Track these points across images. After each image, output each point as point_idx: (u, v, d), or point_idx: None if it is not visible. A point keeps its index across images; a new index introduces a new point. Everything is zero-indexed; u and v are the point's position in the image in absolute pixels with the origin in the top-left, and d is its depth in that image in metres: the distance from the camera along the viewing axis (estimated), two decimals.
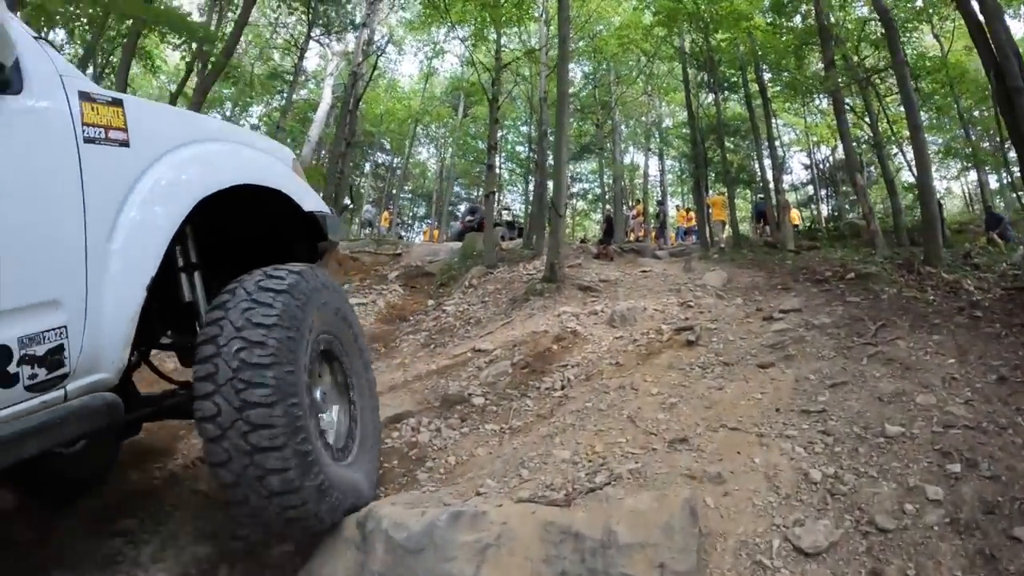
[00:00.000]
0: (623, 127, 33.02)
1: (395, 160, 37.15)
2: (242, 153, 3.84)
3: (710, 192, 21.54)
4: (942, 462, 4.38)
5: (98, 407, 2.66)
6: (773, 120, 21.09)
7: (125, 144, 2.91)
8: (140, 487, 5.24)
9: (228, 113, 29.44)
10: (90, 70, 17.93)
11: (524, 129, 34.92)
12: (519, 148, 36.06)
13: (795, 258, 14.09)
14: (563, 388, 7.44)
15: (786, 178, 32.31)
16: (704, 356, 7.49)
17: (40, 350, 2.39)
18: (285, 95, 25.09)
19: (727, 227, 20.23)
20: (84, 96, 2.77)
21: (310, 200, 4.17)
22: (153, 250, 2.94)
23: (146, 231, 2.92)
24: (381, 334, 12.59)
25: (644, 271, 15.34)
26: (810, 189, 33.41)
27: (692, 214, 24.55)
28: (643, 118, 32.42)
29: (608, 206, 30.39)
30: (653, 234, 26.67)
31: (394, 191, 38.40)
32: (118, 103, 2.95)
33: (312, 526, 3.39)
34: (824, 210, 31.64)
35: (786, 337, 7.60)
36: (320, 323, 3.65)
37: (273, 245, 4.32)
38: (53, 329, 2.45)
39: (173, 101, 16.44)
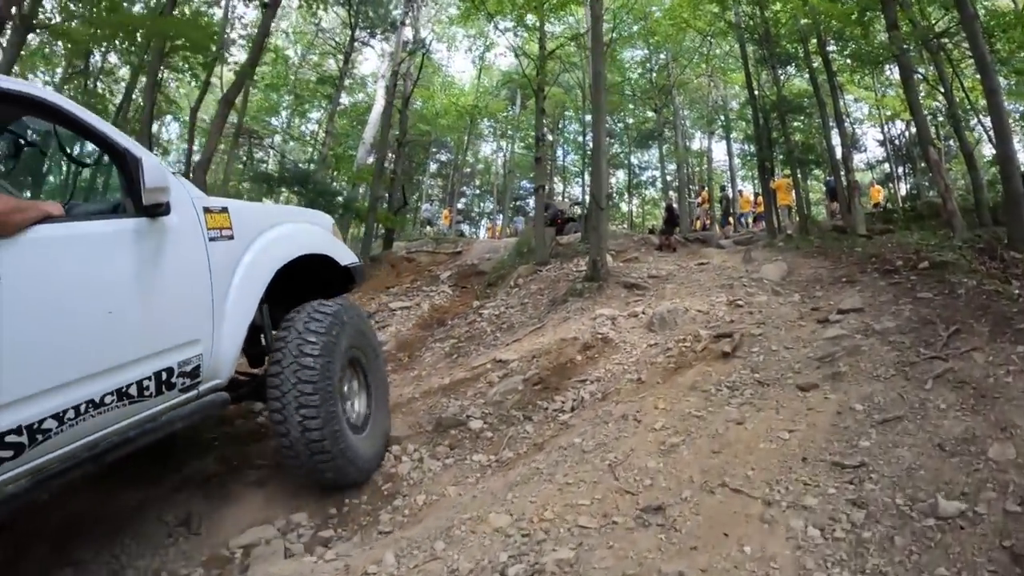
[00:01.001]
0: (685, 111, 31.53)
1: (458, 157, 36.40)
2: (299, 230, 5.19)
3: (776, 175, 19.87)
4: (1013, 570, 3.04)
5: (216, 399, 4.13)
6: (840, 95, 19.24)
7: (231, 237, 4.29)
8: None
9: (285, 122, 29.09)
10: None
11: (588, 118, 33.42)
12: (581, 138, 34.88)
13: (865, 244, 12.53)
14: (572, 410, 6.47)
15: (860, 156, 29.99)
16: (737, 372, 6.24)
17: (188, 368, 3.83)
18: (333, 99, 24.41)
19: (794, 212, 18.55)
20: (206, 209, 4.14)
21: (344, 255, 5.61)
22: (251, 304, 4.41)
23: (246, 293, 4.35)
24: (413, 341, 11.62)
25: (701, 263, 13.97)
26: (887, 167, 31.03)
27: (759, 199, 22.90)
28: (706, 101, 30.82)
29: (672, 193, 28.84)
30: (719, 222, 25.05)
31: (457, 188, 37.79)
32: (225, 210, 4.33)
33: (334, 477, 4.81)
34: (902, 188, 29.30)
35: (839, 347, 6.26)
36: (348, 341, 5.03)
37: (319, 282, 5.58)
38: (195, 356, 3.88)
39: (193, 117, 15.66)
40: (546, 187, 16.80)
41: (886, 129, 29.15)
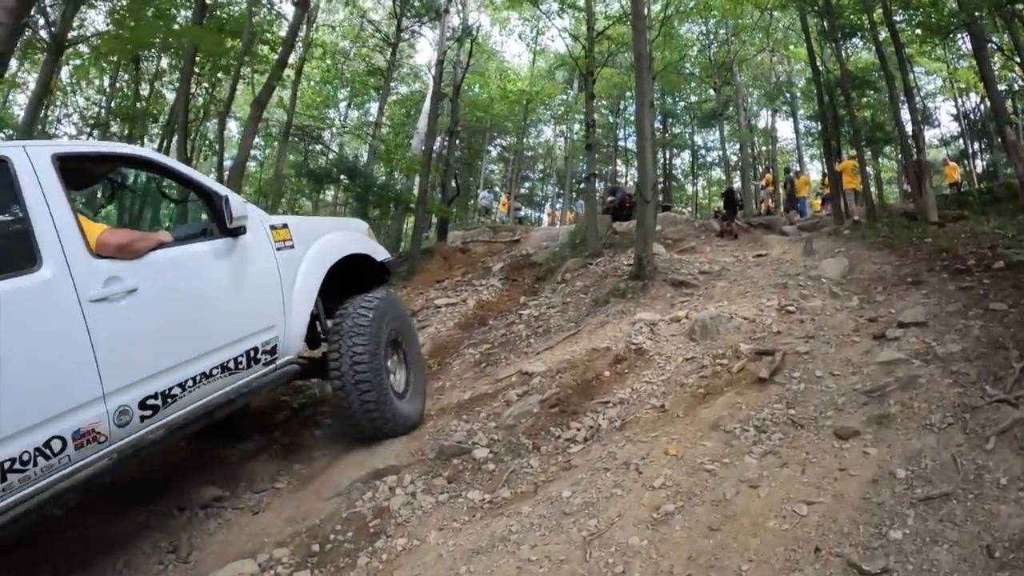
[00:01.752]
0: (748, 89, 29.95)
1: (518, 142, 35.35)
2: (343, 237, 6.21)
3: (844, 156, 18.49)
4: None
5: (289, 370, 5.31)
6: (909, 67, 17.73)
7: (292, 247, 5.45)
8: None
9: (343, 113, 28.49)
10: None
11: None
12: None
13: (936, 234, 11.35)
14: (585, 441, 5.83)
15: (933, 132, 27.83)
16: (771, 406, 5.39)
17: (268, 347, 5.06)
18: (383, 91, 23.72)
19: (860, 196, 17.21)
20: (272, 227, 5.34)
21: (379, 253, 6.67)
22: (311, 297, 5.56)
23: (307, 288, 5.51)
24: (449, 344, 10.99)
25: (759, 255, 12.98)
26: (961, 143, 28.71)
27: (827, 180, 21.48)
28: (769, 77, 29.19)
29: (736, 174, 27.39)
30: (783, 206, 23.58)
31: (518, 173, 36.82)
32: (286, 226, 5.49)
33: (385, 430, 5.91)
34: (978, 165, 27.21)
35: (892, 378, 5.34)
36: (389, 327, 6.06)
37: (361, 276, 6.52)
38: (272, 337, 5.11)
39: (222, 122, 15.27)
40: (598, 174, 15.89)
41: (960, 103, 27.04)
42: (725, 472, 4.42)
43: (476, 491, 5.23)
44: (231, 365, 4.70)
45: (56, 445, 3.46)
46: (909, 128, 15.82)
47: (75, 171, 4.30)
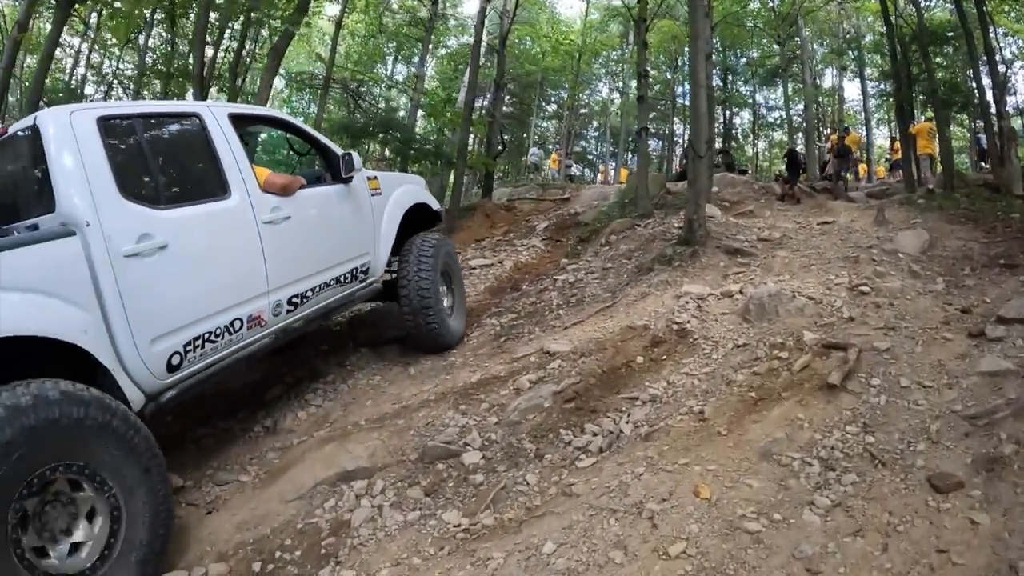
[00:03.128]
0: (813, 45, 27.69)
1: (572, 97, 33.38)
2: (411, 189, 7.36)
3: (917, 118, 16.61)
4: None
5: (377, 287, 6.60)
6: (991, 24, 15.75)
7: (380, 194, 6.59)
8: None
9: (390, 68, 26.89)
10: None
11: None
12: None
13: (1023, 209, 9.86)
14: (600, 452, 4.56)
15: (1011, 100, 25.44)
16: (842, 429, 4.16)
17: (364, 268, 6.18)
18: (424, 42, 22.15)
19: (937, 162, 15.42)
20: (369, 178, 6.45)
21: (434, 204, 7.72)
22: (393, 233, 6.71)
23: (390, 224, 6.69)
24: (473, 312, 9.69)
25: (825, 223, 11.51)
26: None
27: (896, 145, 19.59)
28: (836, 33, 26.80)
29: (800, 135, 25.34)
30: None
31: (573, 130, 35.08)
32: (375, 177, 6.64)
33: (443, 342, 7.15)
34: None
35: (1002, 399, 4.11)
36: (442, 260, 7.14)
37: (422, 219, 7.45)
38: (367, 262, 6.23)
39: (233, 74, 14.13)
40: (652, 131, 14.49)
41: None
42: (774, 537, 3.17)
43: (454, 511, 4.16)
44: (342, 279, 5.85)
45: (236, 324, 4.53)
46: (990, 94, 14.08)
47: (237, 127, 5.03)
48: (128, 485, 3.39)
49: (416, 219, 7.31)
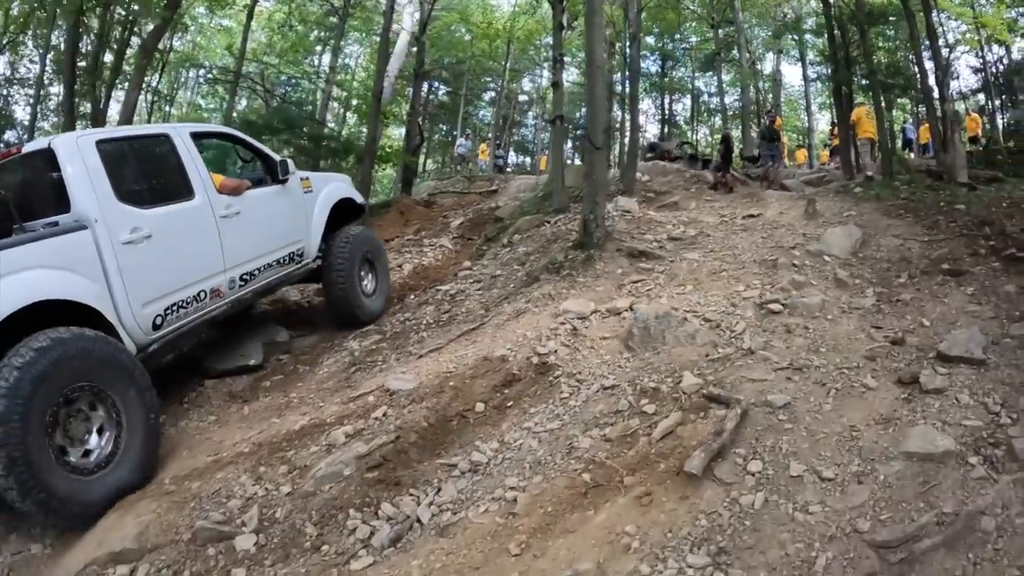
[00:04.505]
0: (754, 29, 26.04)
1: (505, 86, 31.40)
2: (339, 186, 7.92)
3: (860, 102, 15.08)
4: None
5: (311, 268, 7.12)
6: (933, 6, 14.29)
7: (311, 191, 7.18)
8: None
9: (318, 60, 24.70)
10: None
11: (650, 40, 28.32)
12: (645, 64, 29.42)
13: (970, 199, 8.39)
14: (383, 551, 3.46)
15: (953, 84, 24.03)
16: (682, 558, 2.71)
17: (299, 252, 6.84)
18: (337, 31, 20.13)
19: (877, 147, 13.90)
20: (303, 178, 7.10)
21: (359, 198, 8.32)
22: (323, 221, 7.27)
23: (320, 216, 7.23)
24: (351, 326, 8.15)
25: (750, 215, 9.99)
26: (981, 98, 24.68)
27: (835, 130, 18.07)
28: (774, 16, 24.98)
29: (737, 122, 23.72)
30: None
31: (509, 119, 32.98)
32: (308, 177, 7.27)
33: (358, 318, 7.57)
34: (999, 122, 23.23)
35: (929, 510, 2.69)
36: (363, 248, 7.76)
37: (345, 214, 7.84)
38: (302, 247, 6.88)
39: (144, 60, 12.05)
40: (564, 117, 12.86)
41: (983, 53, 23.07)
42: None
43: None
44: (282, 260, 6.60)
45: (201, 295, 5.52)
46: (932, 78, 12.66)
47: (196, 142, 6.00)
48: (129, 404, 4.44)
49: (346, 211, 7.93)
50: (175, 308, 5.25)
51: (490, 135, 29.97)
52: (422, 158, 31.90)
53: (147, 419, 4.54)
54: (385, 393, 5.15)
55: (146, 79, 19.60)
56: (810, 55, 23.62)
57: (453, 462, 4.04)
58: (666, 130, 31.40)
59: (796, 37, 22.89)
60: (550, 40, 28.51)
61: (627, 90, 16.97)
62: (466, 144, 25.45)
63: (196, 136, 6.01)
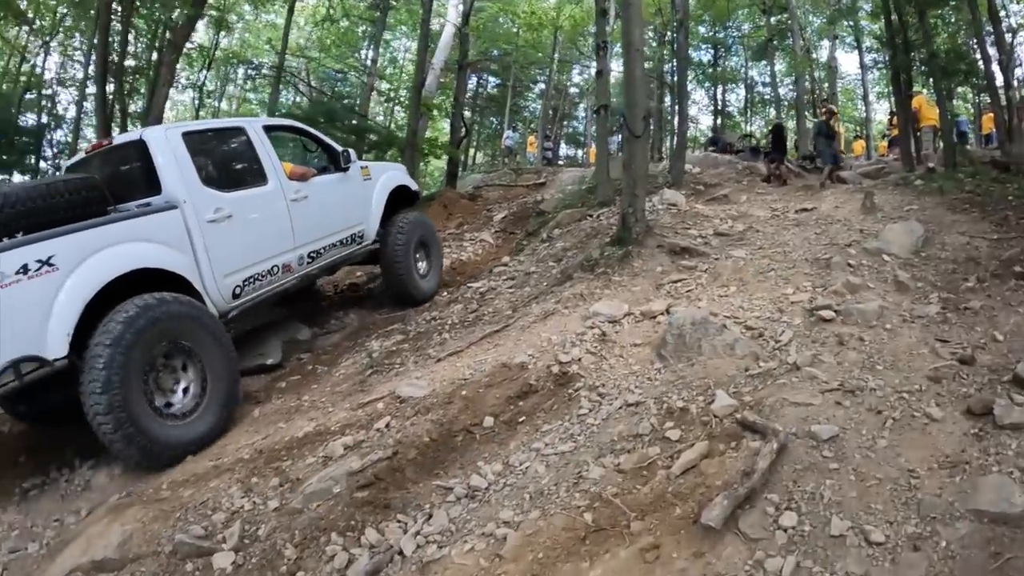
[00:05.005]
0: (804, 14, 24.47)
1: (556, 77, 30.54)
2: (395, 174, 8.37)
3: (918, 90, 14.03)
4: None
5: (373, 248, 7.61)
6: None
7: (370, 179, 7.68)
8: None
9: (365, 53, 24.19)
10: None
11: (703, 30, 27.34)
12: (696, 53, 28.20)
13: None
14: None
15: (1018, 71, 22.38)
16: None
17: (359, 234, 7.37)
18: (378, 23, 19.71)
19: (939, 136, 12.93)
20: (363, 166, 7.62)
21: (413, 185, 8.73)
22: (381, 206, 7.74)
23: (378, 202, 7.71)
24: (375, 325, 7.73)
25: (804, 210, 9.26)
26: None
27: (894, 120, 16.99)
28: (830, 1, 23.37)
29: (792, 111, 22.53)
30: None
31: (555, 111, 32.31)
32: (367, 167, 7.74)
33: (412, 298, 8.01)
34: None
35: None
36: (418, 233, 8.16)
37: (401, 200, 8.24)
38: (362, 230, 7.40)
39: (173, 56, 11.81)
40: (609, 106, 12.18)
41: None
42: None
43: None
44: (344, 241, 7.10)
45: (275, 270, 6.05)
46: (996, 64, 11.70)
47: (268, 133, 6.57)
48: (213, 358, 5.04)
49: (402, 197, 8.30)
50: (252, 280, 5.85)
51: (538, 128, 29.31)
52: (471, 151, 31.47)
53: (229, 374, 5.19)
54: (395, 400, 4.82)
55: (192, 77, 19.77)
56: (867, 41, 22.41)
57: (450, 485, 3.64)
58: (719, 122, 30.20)
59: (852, 23, 21.70)
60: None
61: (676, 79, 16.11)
62: (513, 136, 24.93)
63: (268, 128, 6.60)
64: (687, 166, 13.49)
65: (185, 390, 4.91)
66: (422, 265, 8.38)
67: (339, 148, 7.29)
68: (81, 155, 6.37)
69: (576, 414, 4.07)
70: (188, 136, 5.55)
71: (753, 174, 14.35)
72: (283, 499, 3.79)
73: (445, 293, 8.56)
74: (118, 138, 6.07)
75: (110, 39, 10.83)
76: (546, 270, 8.14)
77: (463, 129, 17.68)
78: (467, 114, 29.80)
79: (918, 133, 12.34)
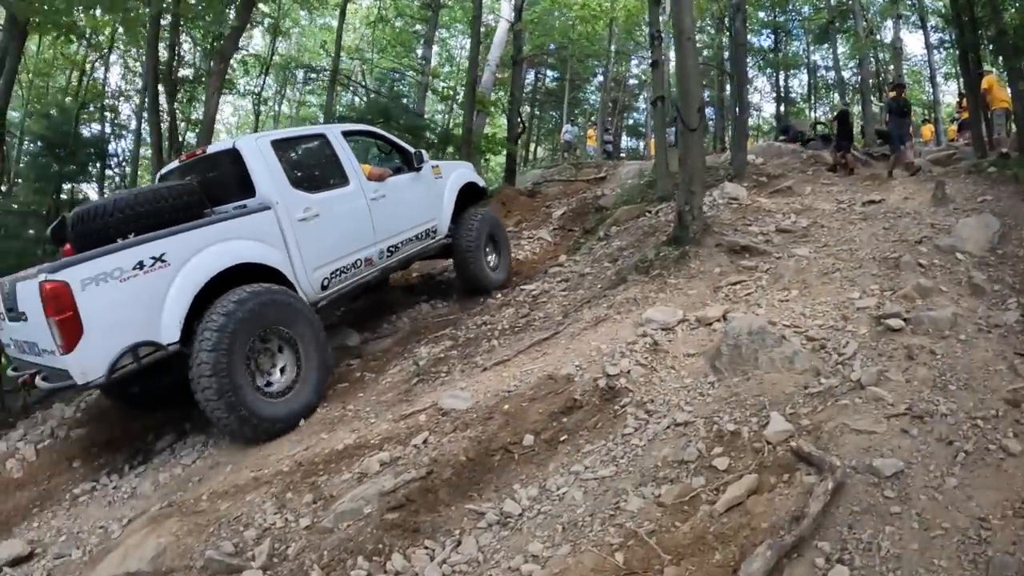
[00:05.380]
0: None
1: (613, 69, 29.81)
2: (464, 172, 8.65)
3: (987, 69, 13.13)
4: None
5: (445, 243, 7.93)
6: None
7: (441, 177, 7.94)
8: None
9: (419, 53, 23.97)
10: None
11: (760, 14, 26.12)
12: (757, 39, 27.33)
13: None
14: None
15: None
16: None
17: (432, 229, 7.66)
18: (430, 22, 19.46)
19: (1011, 119, 12.01)
20: (434, 166, 7.87)
21: (481, 181, 9.08)
22: (452, 204, 7.99)
23: (450, 198, 7.97)
24: (424, 330, 7.52)
25: (871, 202, 8.72)
26: None
27: (964, 102, 16.01)
28: None
29: (863, 97, 21.33)
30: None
31: (619, 103, 31.50)
32: (438, 166, 8.02)
33: (482, 287, 8.30)
34: None
35: None
36: (487, 227, 8.41)
37: (470, 196, 8.57)
38: (435, 225, 7.71)
39: (222, 66, 11.63)
40: (665, 98, 11.81)
41: None
42: None
43: None
44: (419, 236, 7.42)
45: (358, 263, 6.45)
46: None
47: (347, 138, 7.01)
48: (307, 341, 5.46)
49: (471, 194, 8.63)
50: (338, 272, 6.23)
51: (596, 120, 28.76)
52: (532, 146, 31.12)
53: (321, 356, 5.58)
54: (437, 412, 4.65)
55: (252, 83, 20.04)
56: (931, 20, 21.25)
57: (482, 509, 3.47)
58: (783, 109, 29.25)
59: (915, 3, 20.55)
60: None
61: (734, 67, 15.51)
62: (572, 130, 24.45)
63: (346, 134, 6.98)
64: (750, 156, 13.01)
65: (282, 371, 5.37)
66: (491, 258, 8.70)
67: (412, 149, 7.61)
68: (175, 163, 6.87)
69: (621, 433, 3.83)
70: (276, 143, 6.03)
71: (818, 163, 13.67)
72: (315, 517, 3.69)
73: (499, 295, 8.23)
74: (211, 147, 6.66)
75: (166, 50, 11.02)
76: (601, 271, 7.86)
77: (520, 125, 17.42)
78: (526, 109, 29.56)
79: (989, 116, 11.56)
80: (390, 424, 4.71)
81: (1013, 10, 12.41)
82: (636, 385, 4.39)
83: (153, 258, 4.71)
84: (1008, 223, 6.41)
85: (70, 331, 4.31)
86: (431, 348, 6.71)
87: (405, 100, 19.06)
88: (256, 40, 20.54)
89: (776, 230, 7.66)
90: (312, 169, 6.77)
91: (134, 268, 4.60)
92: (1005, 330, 4.20)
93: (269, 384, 5.22)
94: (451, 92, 22.12)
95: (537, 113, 31.40)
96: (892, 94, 13.35)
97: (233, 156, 5.86)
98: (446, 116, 22.91)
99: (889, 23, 24.24)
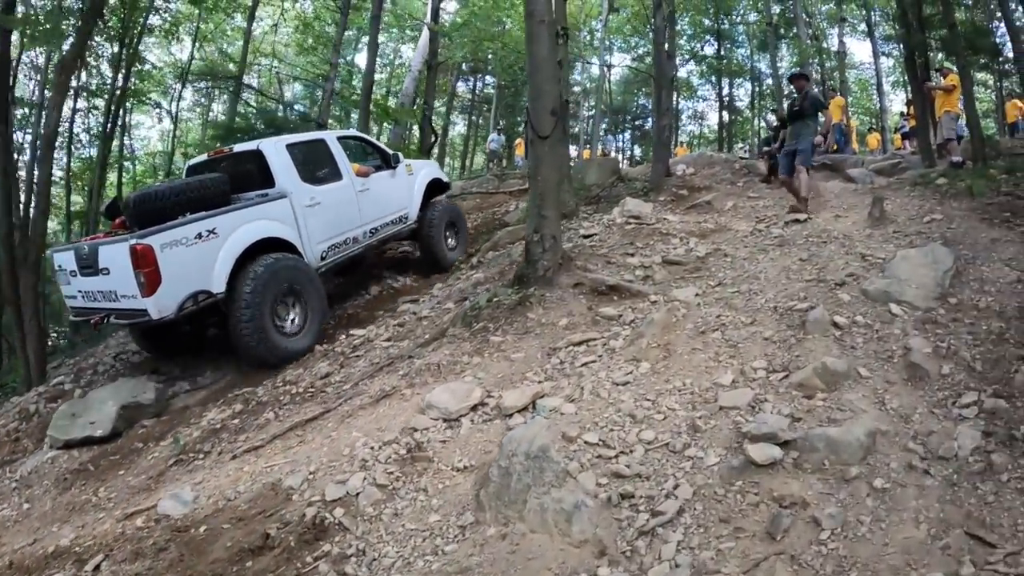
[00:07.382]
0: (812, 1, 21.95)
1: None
2: (430, 170, 9.54)
3: (934, 74, 11.36)
4: None
5: (414, 227, 8.73)
6: None
7: (412, 173, 8.84)
8: None
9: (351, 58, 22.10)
10: None
11: (705, 21, 24.93)
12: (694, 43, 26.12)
13: None
14: None
15: None
16: None
17: (404, 215, 8.50)
18: (340, 25, 17.73)
19: (961, 121, 10.19)
20: (407, 164, 8.84)
21: (443, 175, 9.87)
22: (420, 194, 8.86)
23: (419, 191, 8.84)
24: (248, 377, 5.78)
25: (795, 221, 6.78)
26: None
27: (911, 109, 14.27)
28: None
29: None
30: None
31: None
32: (410, 165, 8.93)
33: (445, 266, 8.89)
34: None
35: None
36: (448, 215, 9.27)
37: (436, 189, 9.38)
38: (407, 212, 8.59)
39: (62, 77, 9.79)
40: (569, 103, 10.14)
41: None
42: None
43: None
44: (394, 221, 8.26)
45: (348, 241, 7.38)
46: None
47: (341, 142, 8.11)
48: (312, 297, 6.52)
49: (436, 188, 9.48)
50: (334, 247, 7.25)
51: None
52: (469, 155, 29.27)
53: (321, 310, 6.73)
54: (152, 518, 3.44)
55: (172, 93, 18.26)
56: (879, 29, 19.56)
57: None
58: (726, 117, 27.54)
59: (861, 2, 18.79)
60: (597, 24, 25.43)
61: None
62: (498, 139, 22.35)
63: (340, 139, 8.13)
64: (680, 166, 11.60)
65: (292, 320, 6.45)
66: (451, 240, 9.61)
67: (390, 151, 8.85)
68: (203, 157, 7.87)
69: None
70: (289, 146, 7.13)
71: (752, 174, 11.83)
72: None
73: (325, 344, 6.31)
74: (237, 147, 7.60)
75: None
76: (440, 315, 5.96)
77: (433, 134, 15.48)
78: (473, 117, 27.71)
79: (939, 120, 9.74)
80: (111, 525, 3.56)
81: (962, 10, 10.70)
82: (356, 522, 2.93)
83: (208, 231, 5.81)
84: (963, 255, 4.62)
85: (152, 281, 5.35)
86: (218, 413, 5.18)
87: (300, 107, 17.31)
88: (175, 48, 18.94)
89: (662, 261, 5.82)
90: (315, 167, 7.57)
91: (195, 237, 5.71)
92: (954, 469, 2.28)
93: (284, 327, 6.36)
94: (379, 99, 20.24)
95: (476, 121, 29.51)
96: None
97: (257, 155, 6.96)
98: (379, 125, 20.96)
99: (835, 30, 22.68)
